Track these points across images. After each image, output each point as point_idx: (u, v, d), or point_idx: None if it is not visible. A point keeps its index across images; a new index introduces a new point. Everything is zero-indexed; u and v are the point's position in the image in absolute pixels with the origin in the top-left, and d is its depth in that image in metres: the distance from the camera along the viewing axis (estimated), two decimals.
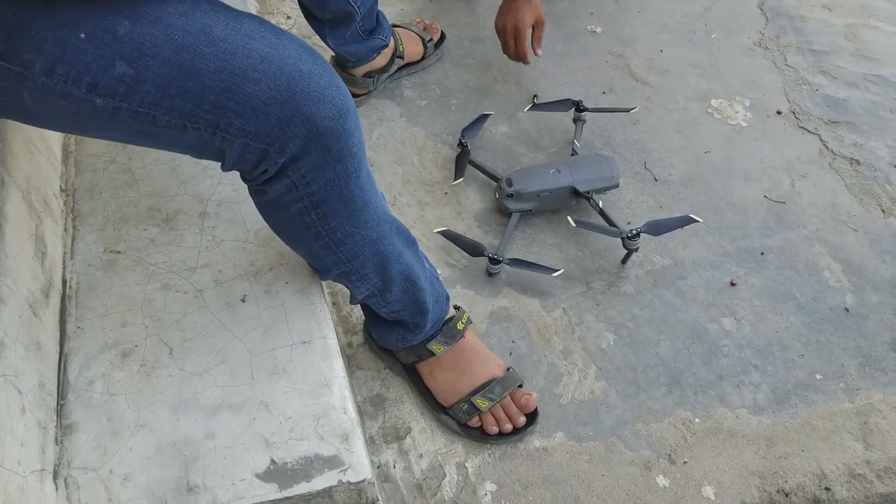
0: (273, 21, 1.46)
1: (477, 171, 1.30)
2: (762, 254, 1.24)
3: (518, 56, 1.37)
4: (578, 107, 1.36)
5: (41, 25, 0.61)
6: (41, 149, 0.99)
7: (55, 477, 0.78)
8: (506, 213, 1.24)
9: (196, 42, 0.64)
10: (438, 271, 1.04)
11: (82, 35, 0.62)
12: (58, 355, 0.87)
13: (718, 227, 1.27)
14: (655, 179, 1.33)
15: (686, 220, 1.19)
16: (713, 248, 1.24)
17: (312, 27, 1.26)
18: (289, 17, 1.51)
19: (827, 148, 1.40)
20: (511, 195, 1.21)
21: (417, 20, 1.51)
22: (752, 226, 1.28)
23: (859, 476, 0.98)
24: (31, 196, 0.89)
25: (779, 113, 1.46)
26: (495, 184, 1.26)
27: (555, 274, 1.14)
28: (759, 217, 1.29)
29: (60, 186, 1.03)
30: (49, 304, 0.88)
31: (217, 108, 0.65)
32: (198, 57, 0.64)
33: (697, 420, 1.04)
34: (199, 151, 0.72)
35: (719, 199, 1.31)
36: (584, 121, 1.36)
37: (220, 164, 0.73)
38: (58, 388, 0.85)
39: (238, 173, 0.76)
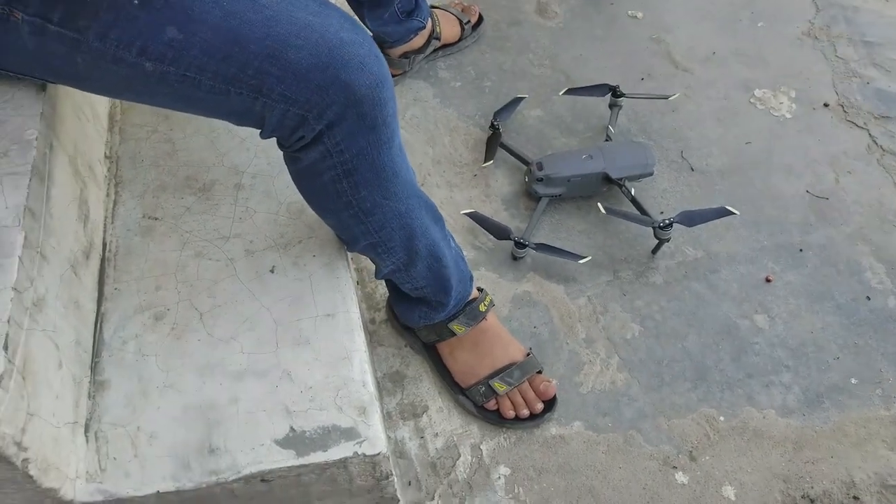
0: None
1: (508, 154, 1.29)
2: (801, 250, 1.20)
3: None
4: (615, 92, 1.34)
5: None
6: (89, 116, 1.02)
7: (86, 430, 0.81)
8: (534, 198, 1.23)
9: (243, 9, 0.65)
10: (463, 253, 1.04)
11: (135, 1, 0.64)
12: (94, 314, 0.90)
13: (756, 220, 1.24)
14: (692, 169, 1.31)
15: (722, 212, 1.16)
16: (749, 242, 1.21)
17: (351, 7, 1.27)
18: None
19: (876, 143, 1.35)
20: (541, 179, 1.20)
21: (456, 2, 1.50)
22: (792, 221, 1.24)
23: (891, 487, 0.95)
24: (77, 161, 0.92)
25: (826, 105, 1.41)
26: (525, 167, 1.26)
27: (581, 261, 1.13)
28: (800, 212, 1.25)
29: (105, 153, 1.06)
30: (89, 265, 0.91)
31: (260, 73, 0.67)
32: (244, 23, 0.65)
33: (722, 418, 1.02)
34: (241, 117, 0.73)
35: (758, 192, 1.28)
36: (620, 107, 1.34)
37: (258, 131, 0.75)
38: (93, 345, 0.88)
39: (274, 145, 0.78)
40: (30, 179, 0.75)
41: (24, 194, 0.73)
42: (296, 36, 0.66)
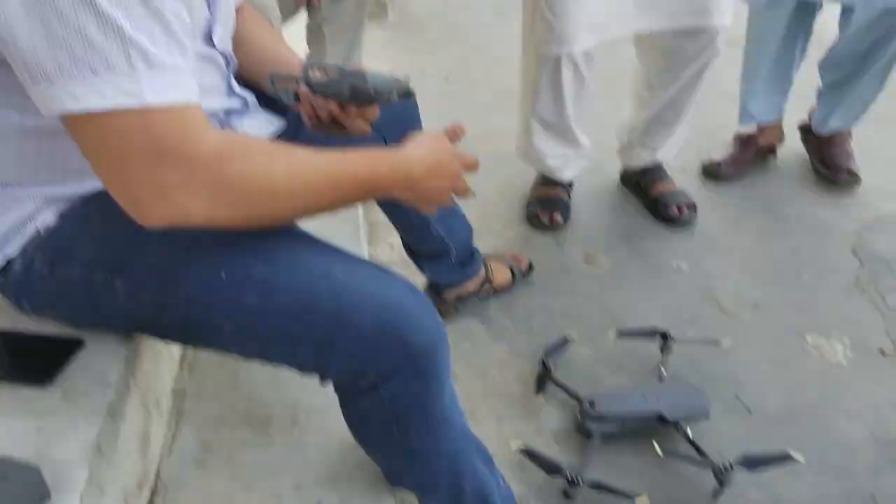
0: (377, 249, 1.65)
1: (559, 389, 1.30)
2: (872, 495, 1.12)
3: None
4: (665, 336, 1.36)
5: (189, 268, 0.74)
6: (164, 356, 1.11)
7: None
8: (587, 434, 1.21)
9: (317, 282, 0.74)
10: (512, 488, 1.01)
11: (223, 275, 0.73)
12: None
13: (821, 465, 1.17)
14: (749, 412, 1.27)
15: (785, 457, 1.11)
16: (816, 487, 1.13)
17: (409, 257, 1.41)
18: (392, 247, 1.69)
19: None
20: (594, 417, 1.19)
21: (509, 253, 1.64)
22: (860, 466, 1.17)
23: None
24: (147, 396, 0.98)
25: (882, 352, 1.40)
26: (577, 404, 1.25)
27: (637, 500, 1.07)
28: (867, 457, 1.18)
29: (172, 387, 1.13)
30: (141, 496, 0.93)
31: (327, 333, 0.74)
32: (317, 294, 0.73)
33: None
34: (304, 367, 0.79)
35: (820, 436, 1.22)
36: (670, 350, 1.36)
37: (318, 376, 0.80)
38: None
39: (332, 386, 0.83)
40: (103, 418, 0.80)
41: (96, 431, 0.78)
42: (362, 304, 0.73)
